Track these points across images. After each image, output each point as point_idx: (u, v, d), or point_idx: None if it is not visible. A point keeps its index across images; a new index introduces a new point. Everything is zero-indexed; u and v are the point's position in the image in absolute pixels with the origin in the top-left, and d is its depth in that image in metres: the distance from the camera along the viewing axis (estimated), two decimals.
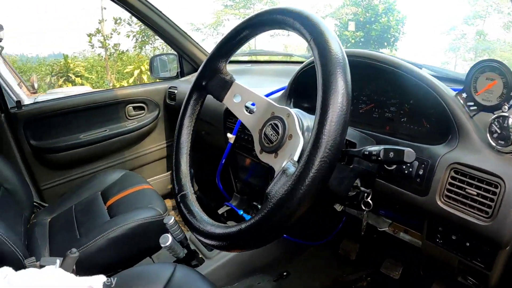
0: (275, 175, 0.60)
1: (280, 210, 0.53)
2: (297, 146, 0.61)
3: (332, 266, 1.49)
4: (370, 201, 0.80)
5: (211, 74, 0.80)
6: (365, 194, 0.80)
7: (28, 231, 1.33)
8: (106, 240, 1.16)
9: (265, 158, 0.68)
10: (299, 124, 0.65)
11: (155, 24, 1.79)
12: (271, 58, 2.12)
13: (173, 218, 1.12)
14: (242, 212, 1.52)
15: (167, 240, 1.06)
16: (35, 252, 1.21)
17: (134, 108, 1.94)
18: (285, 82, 1.20)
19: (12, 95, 2.96)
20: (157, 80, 2.13)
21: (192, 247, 1.26)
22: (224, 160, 1.45)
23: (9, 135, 1.62)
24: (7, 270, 0.75)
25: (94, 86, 9.17)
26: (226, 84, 0.78)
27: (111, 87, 8.38)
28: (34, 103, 1.74)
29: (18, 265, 0.97)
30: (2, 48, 3.44)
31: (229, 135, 1.32)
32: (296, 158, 0.59)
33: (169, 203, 2.12)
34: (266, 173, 1.27)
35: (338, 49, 0.56)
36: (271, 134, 0.67)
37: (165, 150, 2.12)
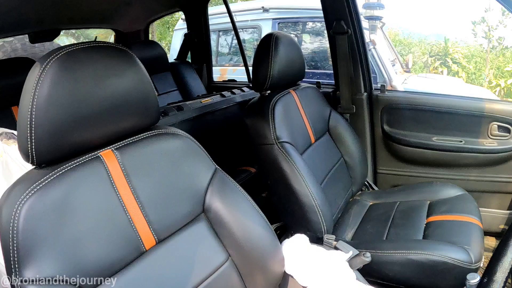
0: None
1: None
2: None
3: None
4: None
5: None
6: None
7: (347, 205, 1.51)
8: (404, 259, 1.11)
9: None
10: None
11: None
12: None
13: (478, 278, 0.88)
14: None
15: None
16: (340, 227, 1.36)
17: (499, 127, 1.63)
18: None
19: (384, 73, 3.12)
20: None
21: None
22: None
23: (366, 115, 1.80)
24: (304, 239, 0.89)
25: (469, 77, 8.21)
26: None
27: (487, 83, 7.32)
28: (396, 91, 1.80)
29: (318, 237, 1.14)
30: (383, 24, 3.72)
31: None
32: None
33: (489, 241, 1.76)
34: None
35: None
36: None
37: None
